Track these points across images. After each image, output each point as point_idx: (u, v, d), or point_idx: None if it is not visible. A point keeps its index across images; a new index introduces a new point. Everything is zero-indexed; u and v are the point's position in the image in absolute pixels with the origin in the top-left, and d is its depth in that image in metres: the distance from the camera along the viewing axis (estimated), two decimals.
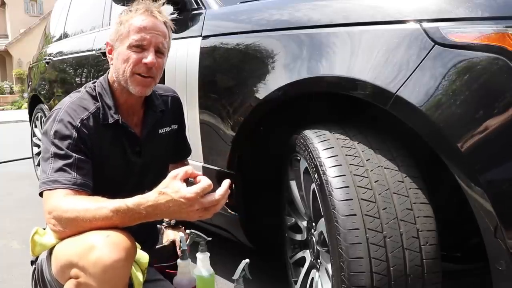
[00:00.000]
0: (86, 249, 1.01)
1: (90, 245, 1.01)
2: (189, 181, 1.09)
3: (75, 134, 1.18)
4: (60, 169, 1.14)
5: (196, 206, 1.01)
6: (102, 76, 1.33)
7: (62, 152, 1.16)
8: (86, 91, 1.29)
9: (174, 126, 1.46)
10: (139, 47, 1.23)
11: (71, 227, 1.07)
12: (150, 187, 1.30)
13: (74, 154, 1.16)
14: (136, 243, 1.08)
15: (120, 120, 1.26)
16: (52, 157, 1.16)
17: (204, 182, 1.03)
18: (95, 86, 1.30)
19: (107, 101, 1.27)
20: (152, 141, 1.36)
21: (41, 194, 1.15)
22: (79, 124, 1.20)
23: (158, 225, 1.54)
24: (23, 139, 5.31)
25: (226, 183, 1.07)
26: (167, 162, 1.49)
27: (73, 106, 1.23)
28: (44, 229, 1.19)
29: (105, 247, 1.00)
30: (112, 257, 0.99)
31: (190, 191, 1.01)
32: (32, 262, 1.29)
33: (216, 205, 1.04)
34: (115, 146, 1.27)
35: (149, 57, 1.22)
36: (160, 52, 1.26)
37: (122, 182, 1.30)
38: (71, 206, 1.08)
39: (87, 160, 1.18)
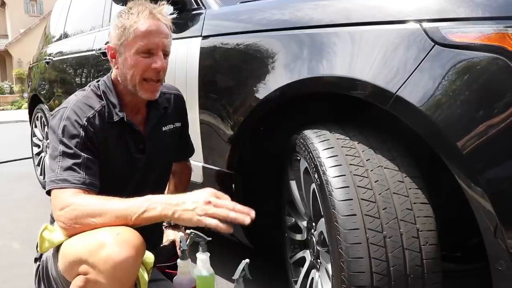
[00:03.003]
0: (96, 246, 1.02)
1: (100, 242, 1.02)
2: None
3: (82, 133, 1.19)
4: (69, 168, 1.15)
5: (208, 197, 1.06)
6: (106, 75, 1.33)
7: (71, 151, 1.17)
8: (91, 89, 1.30)
9: (178, 124, 1.47)
10: (147, 52, 1.23)
11: (82, 225, 1.08)
12: (153, 185, 1.32)
13: (82, 154, 1.17)
14: None
15: (125, 118, 1.27)
16: (60, 155, 1.17)
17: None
18: (99, 85, 1.31)
19: (111, 99, 1.28)
20: (156, 138, 1.37)
21: (48, 192, 1.16)
22: (86, 123, 1.21)
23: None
24: (23, 139, 5.31)
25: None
26: (171, 160, 1.50)
27: (79, 104, 1.24)
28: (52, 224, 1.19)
29: (115, 245, 1.01)
30: (123, 254, 1.00)
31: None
32: (36, 259, 1.29)
33: (222, 207, 1.05)
34: (119, 144, 1.28)
35: (159, 62, 1.24)
36: (166, 54, 1.28)
37: (126, 179, 1.31)
38: (86, 205, 1.09)
39: (94, 160, 1.20)
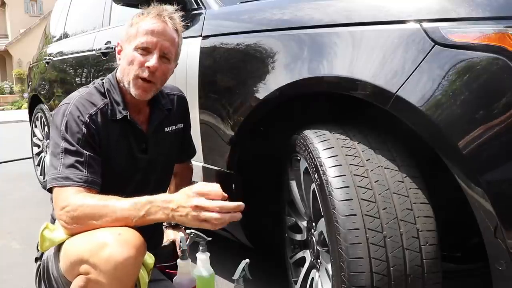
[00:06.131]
0: (97, 246, 1.02)
1: (102, 242, 1.02)
2: None
3: (84, 130, 1.19)
4: (71, 166, 1.15)
5: (194, 201, 1.04)
6: (111, 73, 1.34)
7: (73, 148, 1.17)
8: (95, 87, 1.31)
9: (180, 125, 1.47)
10: (145, 50, 1.24)
11: (84, 224, 1.08)
12: (155, 185, 1.31)
13: (85, 151, 1.17)
14: None
15: (128, 116, 1.27)
16: (62, 152, 1.16)
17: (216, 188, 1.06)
18: (103, 82, 1.31)
19: (115, 97, 1.28)
20: (158, 139, 1.37)
21: (49, 190, 1.16)
22: (88, 120, 1.21)
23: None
24: (23, 139, 5.31)
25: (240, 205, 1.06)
26: (172, 161, 1.50)
27: (81, 101, 1.25)
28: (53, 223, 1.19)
29: (117, 245, 1.01)
30: (124, 254, 1.00)
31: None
32: (37, 259, 1.29)
33: (218, 212, 1.03)
34: (121, 142, 1.28)
35: (152, 61, 1.23)
36: (166, 58, 1.27)
37: (128, 179, 1.31)
38: (87, 205, 1.09)
39: (96, 157, 1.20)
